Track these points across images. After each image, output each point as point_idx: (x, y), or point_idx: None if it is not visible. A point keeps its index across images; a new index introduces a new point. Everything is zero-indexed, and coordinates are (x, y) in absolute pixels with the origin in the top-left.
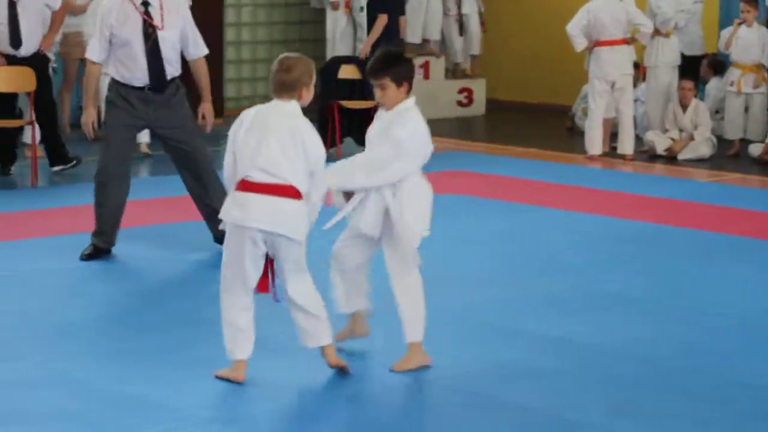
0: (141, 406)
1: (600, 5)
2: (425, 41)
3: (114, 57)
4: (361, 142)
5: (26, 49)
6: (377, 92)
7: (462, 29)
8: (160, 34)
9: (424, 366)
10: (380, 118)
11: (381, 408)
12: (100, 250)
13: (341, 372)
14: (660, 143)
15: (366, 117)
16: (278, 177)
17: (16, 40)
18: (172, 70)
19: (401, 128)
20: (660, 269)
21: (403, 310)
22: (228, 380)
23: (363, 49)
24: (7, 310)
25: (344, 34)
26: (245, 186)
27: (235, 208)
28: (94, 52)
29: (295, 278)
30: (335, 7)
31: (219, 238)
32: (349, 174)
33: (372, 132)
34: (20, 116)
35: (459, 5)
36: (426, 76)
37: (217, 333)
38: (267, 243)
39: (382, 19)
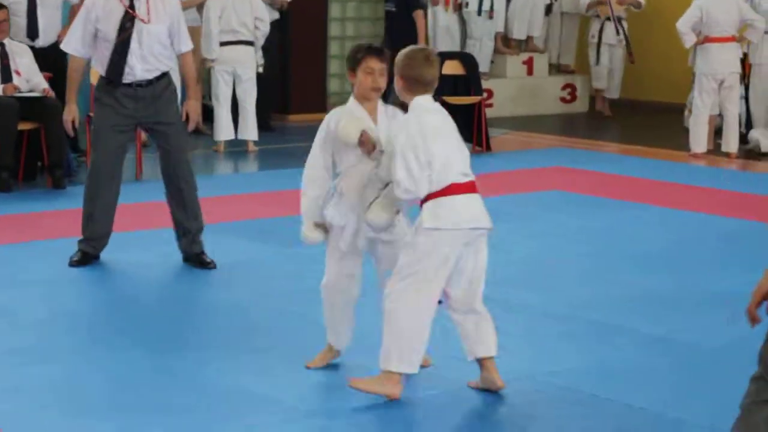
0: (244, 399)
1: (711, 2)
2: (529, 38)
3: (99, 52)
4: (465, 138)
5: (43, 41)
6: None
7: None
8: (146, 28)
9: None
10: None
11: (480, 404)
12: (88, 257)
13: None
14: (765, 141)
15: (470, 113)
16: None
17: (33, 31)
18: (160, 64)
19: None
20: (763, 268)
21: None
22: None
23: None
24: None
25: (448, 29)
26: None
27: (451, 214)
28: (71, 45)
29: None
30: (435, 3)
31: (187, 255)
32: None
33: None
34: None
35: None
36: (530, 72)
37: (320, 328)
38: (469, 242)
39: (420, 15)
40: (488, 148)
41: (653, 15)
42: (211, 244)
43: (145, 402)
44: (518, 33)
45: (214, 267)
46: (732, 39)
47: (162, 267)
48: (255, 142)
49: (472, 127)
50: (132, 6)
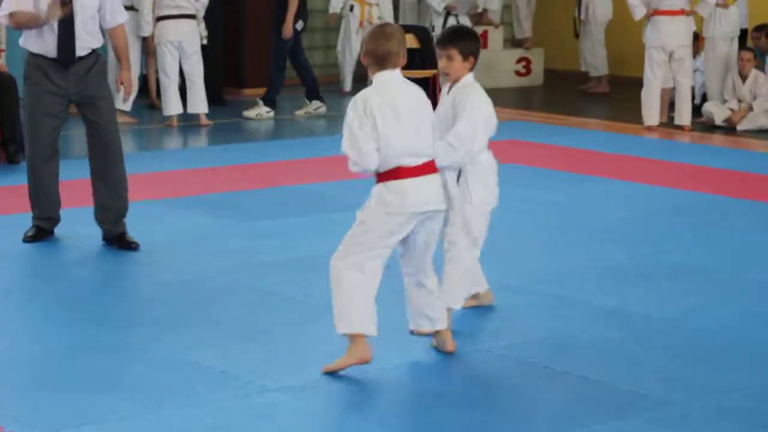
0: (198, 373)
1: None
2: (484, 11)
3: (36, 30)
4: None
5: None
6: (443, 62)
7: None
8: (80, 2)
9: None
10: (445, 97)
11: (437, 377)
12: (43, 232)
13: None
14: (719, 114)
15: (425, 87)
16: (425, 156)
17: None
18: (93, 40)
19: (468, 105)
20: (719, 240)
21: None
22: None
23: (285, 27)
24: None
25: (415, 4)
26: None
27: (398, 198)
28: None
29: (431, 257)
30: None
31: (106, 233)
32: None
33: (443, 109)
34: None
35: None
36: (485, 46)
37: (276, 301)
38: (421, 222)
39: None
40: None
41: None
42: (162, 219)
43: (97, 378)
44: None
45: (138, 248)
46: (681, 12)
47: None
48: (207, 116)
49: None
50: None
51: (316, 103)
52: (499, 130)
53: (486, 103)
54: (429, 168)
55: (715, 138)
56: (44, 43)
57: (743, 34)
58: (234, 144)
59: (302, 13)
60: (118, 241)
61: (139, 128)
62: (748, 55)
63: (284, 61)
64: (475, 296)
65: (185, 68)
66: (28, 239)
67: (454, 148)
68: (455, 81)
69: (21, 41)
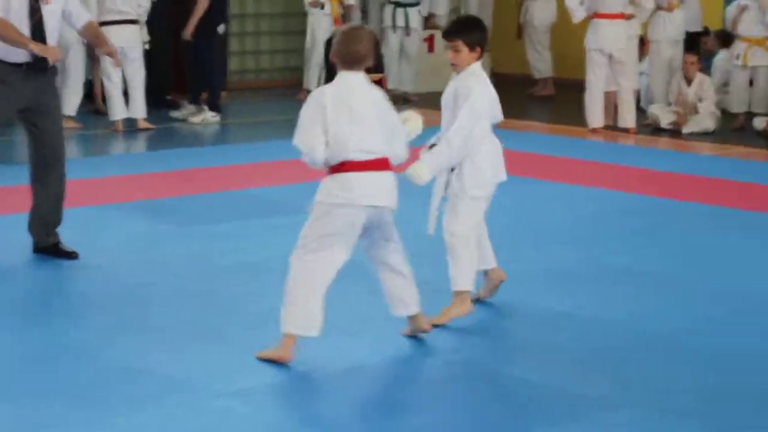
0: (151, 379)
1: None
2: (431, 15)
3: None
4: None
5: None
6: (450, 54)
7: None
8: (46, 8)
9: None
10: (452, 82)
11: (382, 381)
12: None
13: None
14: (664, 117)
15: None
16: (376, 153)
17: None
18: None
19: (471, 93)
20: (665, 243)
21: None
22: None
23: (187, 29)
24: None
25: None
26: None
27: (343, 191)
28: None
29: (396, 246)
30: None
31: (39, 243)
32: (436, 159)
33: (445, 96)
34: None
35: None
36: (430, 49)
37: (225, 305)
38: (371, 217)
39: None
40: None
41: None
42: (110, 224)
43: (47, 385)
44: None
45: (77, 257)
46: (621, 16)
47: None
48: (146, 119)
49: None
50: None
51: (212, 113)
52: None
53: (486, 91)
54: (379, 164)
55: (661, 141)
56: (11, 49)
57: (691, 37)
58: (181, 148)
59: (221, 16)
60: (53, 251)
61: (85, 133)
62: (692, 58)
63: (214, 59)
64: (486, 273)
65: (126, 73)
66: None
67: (449, 145)
68: (463, 69)
69: None
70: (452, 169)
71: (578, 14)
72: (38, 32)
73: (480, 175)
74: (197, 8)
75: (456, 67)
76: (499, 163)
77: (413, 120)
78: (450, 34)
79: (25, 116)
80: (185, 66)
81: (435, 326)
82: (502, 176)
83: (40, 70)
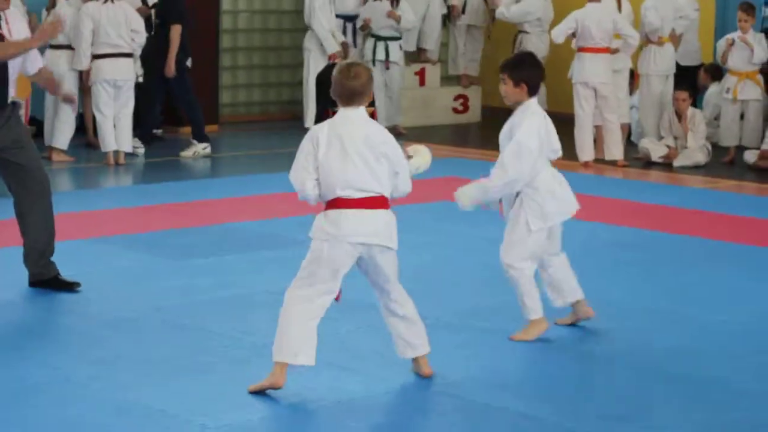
0: (139, 413)
1: (588, 12)
2: (422, 49)
3: None
4: None
5: None
6: (501, 85)
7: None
8: None
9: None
10: (508, 120)
11: (373, 414)
12: None
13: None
14: (655, 150)
15: None
16: (368, 191)
17: None
18: (13, 88)
19: (518, 129)
20: (656, 276)
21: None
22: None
23: (168, 65)
24: None
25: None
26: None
27: (333, 227)
28: None
29: (395, 289)
30: None
31: (42, 278)
32: (480, 189)
33: (503, 132)
34: None
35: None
36: (422, 83)
37: (214, 339)
38: (363, 255)
39: (177, 30)
40: None
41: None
42: (100, 257)
43: (37, 418)
44: (407, 45)
45: (79, 288)
46: (605, 50)
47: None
48: (129, 155)
49: None
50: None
51: (203, 144)
52: (436, 167)
53: (536, 126)
54: (372, 203)
55: (652, 174)
56: None
57: (688, 71)
58: (171, 182)
59: (187, 52)
60: (54, 284)
61: (77, 167)
62: (683, 95)
63: (189, 93)
64: (573, 306)
65: (116, 105)
66: None
67: (491, 178)
68: (514, 103)
69: None
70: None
71: (560, 38)
72: (3, 77)
73: (536, 208)
74: (172, 45)
75: (505, 100)
76: (565, 197)
77: (420, 154)
78: (501, 67)
79: (1, 156)
80: (184, 97)
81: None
82: (570, 209)
83: (1, 107)
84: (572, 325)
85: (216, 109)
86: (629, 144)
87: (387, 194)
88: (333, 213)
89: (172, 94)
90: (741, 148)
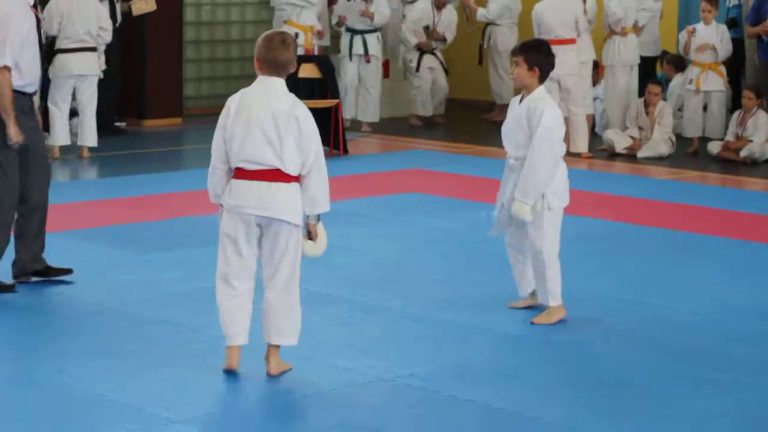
0: (103, 407)
1: (546, 6)
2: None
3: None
4: (323, 142)
5: None
6: (512, 67)
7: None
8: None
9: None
10: (513, 109)
11: (339, 407)
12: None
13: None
14: (619, 142)
15: (326, 117)
16: (264, 164)
17: None
18: None
19: (542, 116)
20: (620, 266)
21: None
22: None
23: None
24: None
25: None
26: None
27: (231, 197)
28: (6, 57)
29: (285, 270)
30: None
31: (32, 270)
32: (527, 189)
33: (513, 120)
34: None
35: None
36: (386, 75)
37: (179, 332)
38: (262, 230)
39: None
40: (345, 151)
41: (522, 22)
42: (62, 252)
43: (2, 411)
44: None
45: (71, 271)
46: (569, 41)
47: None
48: (91, 149)
49: (330, 130)
50: (38, 10)
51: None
52: (401, 159)
53: (558, 112)
54: (269, 175)
55: (617, 165)
56: (21, 77)
57: (648, 61)
58: (135, 175)
59: None
60: (49, 272)
61: None
62: (656, 89)
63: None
64: (532, 295)
65: (80, 100)
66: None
67: (535, 169)
68: (525, 89)
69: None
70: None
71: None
72: (43, 60)
73: (554, 187)
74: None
75: (515, 82)
76: (567, 185)
77: (316, 242)
78: (515, 50)
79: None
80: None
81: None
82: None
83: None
84: (527, 308)
85: (180, 102)
86: (593, 135)
87: (290, 169)
88: (232, 183)
89: None
90: (704, 139)
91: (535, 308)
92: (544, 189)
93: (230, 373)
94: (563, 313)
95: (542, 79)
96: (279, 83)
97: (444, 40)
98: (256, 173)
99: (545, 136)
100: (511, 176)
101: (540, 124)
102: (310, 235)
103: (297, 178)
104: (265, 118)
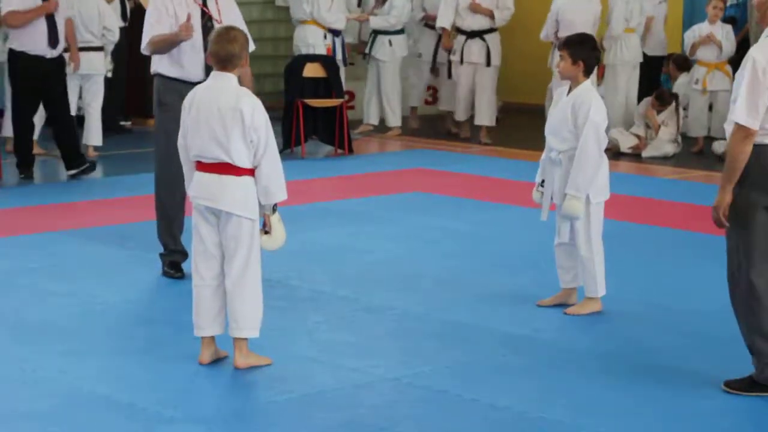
0: (105, 405)
1: (568, 3)
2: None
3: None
4: (326, 141)
5: (59, 49)
6: (558, 60)
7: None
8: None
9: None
10: (560, 102)
11: (344, 406)
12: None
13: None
14: (624, 141)
15: (331, 116)
16: (214, 158)
17: (54, 39)
18: None
19: (588, 110)
20: (625, 266)
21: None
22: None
23: None
24: None
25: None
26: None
27: (191, 188)
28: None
29: (240, 260)
30: None
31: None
32: (579, 183)
33: (559, 109)
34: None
35: None
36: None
37: (183, 332)
38: (218, 219)
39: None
40: (350, 150)
41: (514, 18)
42: (67, 250)
43: (5, 411)
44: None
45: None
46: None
47: (18, 273)
48: (96, 147)
49: (334, 129)
50: (205, 4)
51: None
52: (406, 158)
53: (603, 106)
54: (221, 168)
55: (621, 164)
56: (182, 67)
57: (651, 61)
58: (138, 174)
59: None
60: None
61: (47, 158)
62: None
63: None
64: (564, 291)
65: (85, 99)
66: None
67: (587, 161)
68: (571, 81)
69: (156, 64)
70: None
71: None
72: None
73: (597, 182)
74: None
75: (560, 75)
76: (608, 180)
77: (272, 235)
78: (561, 43)
79: None
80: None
81: (565, 314)
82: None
83: None
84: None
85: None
86: None
87: (241, 162)
88: (195, 175)
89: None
90: (710, 139)
91: (563, 305)
92: (594, 183)
93: (202, 366)
94: (599, 306)
95: (587, 72)
96: (228, 78)
97: None
98: (210, 166)
99: (593, 131)
100: (554, 170)
101: (588, 118)
102: (265, 227)
103: (250, 171)
104: (211, 113)
